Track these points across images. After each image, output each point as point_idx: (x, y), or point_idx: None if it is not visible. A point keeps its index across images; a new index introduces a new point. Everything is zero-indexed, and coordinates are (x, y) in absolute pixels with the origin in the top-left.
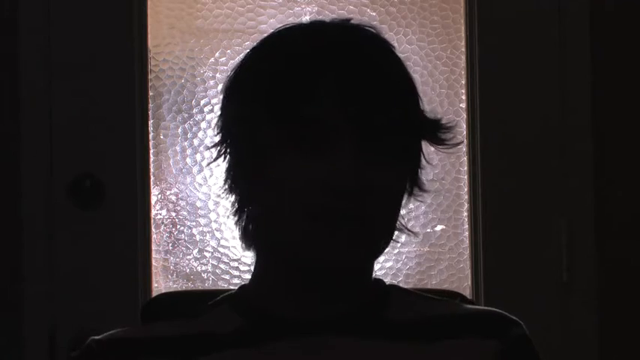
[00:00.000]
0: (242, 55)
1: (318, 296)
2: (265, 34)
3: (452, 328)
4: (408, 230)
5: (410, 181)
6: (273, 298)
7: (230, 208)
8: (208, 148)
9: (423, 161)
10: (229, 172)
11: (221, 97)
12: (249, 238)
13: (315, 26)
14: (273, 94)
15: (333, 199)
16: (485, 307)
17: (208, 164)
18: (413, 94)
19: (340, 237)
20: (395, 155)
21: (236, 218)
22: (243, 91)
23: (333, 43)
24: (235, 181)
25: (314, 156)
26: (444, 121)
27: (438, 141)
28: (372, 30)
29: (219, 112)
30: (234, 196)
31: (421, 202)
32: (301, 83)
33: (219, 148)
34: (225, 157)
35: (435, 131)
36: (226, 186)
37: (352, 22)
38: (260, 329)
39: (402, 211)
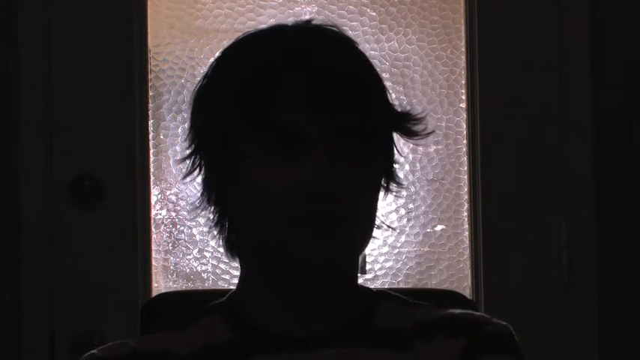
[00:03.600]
0: (208, 66)
1: (304, 307)
2: (229, 42)
3: (427, 332)
4: (387, 226)
5: (385, 177)
6: (262, 311)
7: (210, 219)
8: (182, 161)
9: (397, 156)
10: (206, 182)
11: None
12: (232, 248)
13: (277, 31)
14: (242, 104)
15: (310, 204)
16: (470, 311)
17: (183, 177)
18: (380, 89)
19: (321, 239)
20: (368, 153)
21: (218, 229)
22: (212, 102)
23: (297, 48)
24: (213, 191)
25: (288, 162)
26: (413, 113)
27: (409, 133)
28: (335, 29)
29: (189, 124)
30: (213, 207)
31: (398, 197)
32: (266, 91)
33: (192, 159)
34: (200, 169)
35: (406, 123)
36: (205, 197)
37: (314, 22)
38: (250, 344)
39: (380, 208)
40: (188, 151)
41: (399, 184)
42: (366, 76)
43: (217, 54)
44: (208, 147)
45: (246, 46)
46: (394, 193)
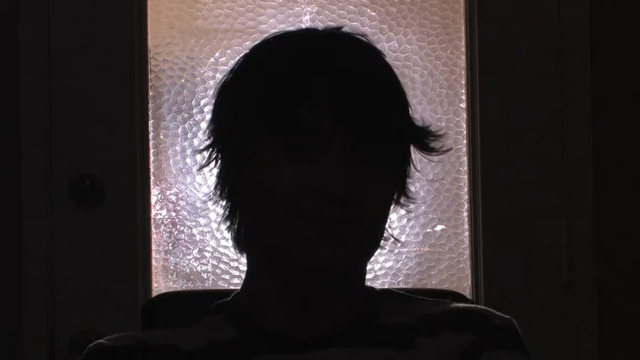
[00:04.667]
0: (234, 62)
1: (307, 307)
2: (259, 40)
3: (431, 327)
4: (394, 238)
5: (397, 189)
6: (266, 310)
7: (222, 213)
8: (199, 152)
9: (412, 169)
10: (221, 176)
11: (212, 102)
12: (240, 243)
13: (305, 34)
14: (265, 102)
15: (322, 205)
16: (473, 305)
17: (200, 169)
18: (402, 101)
19: (330, 241)
20: (384, 160)
21: (228, 223)
22: (235, 98)
23: (323, 51)
24: (227, 185)
25: (304, 161)
26: (433, 129)
27: (427, 148)
28: (363, 38)
29: (210, 117)
30: (225, 201)
31: (408, 211)
32: (292, 90)
33: (210, 151)
34: (216, 162)
35: (424, 139)
36: (218, 190)
37: (343, 30)
38: (255, 343)
39: (389, 220)
40: (206, 143)
41: (410, 198)
42: (389, 85)
43: (246, 51)
44: (226, 140)
45: (274, 45)
46: (404, 208)
